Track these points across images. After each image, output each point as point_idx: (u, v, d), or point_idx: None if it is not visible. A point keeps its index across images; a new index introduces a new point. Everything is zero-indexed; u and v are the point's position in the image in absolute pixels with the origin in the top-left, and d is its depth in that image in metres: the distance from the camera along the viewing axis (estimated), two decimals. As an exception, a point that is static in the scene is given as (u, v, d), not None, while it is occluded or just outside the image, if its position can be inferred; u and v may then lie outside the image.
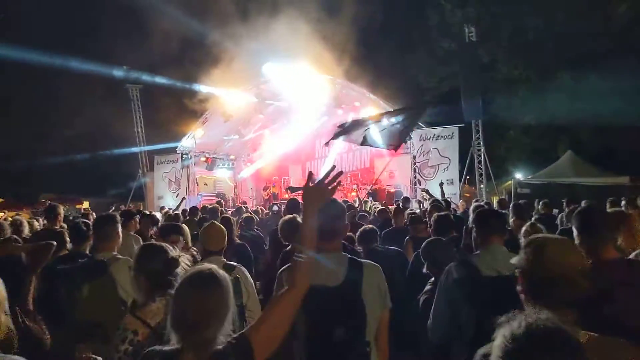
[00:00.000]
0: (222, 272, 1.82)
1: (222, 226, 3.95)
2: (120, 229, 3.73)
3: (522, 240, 4.12)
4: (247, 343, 1.71)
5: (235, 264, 3.53)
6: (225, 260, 3.62)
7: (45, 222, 6.40)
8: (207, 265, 1.85)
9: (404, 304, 3.25)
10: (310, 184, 1.96)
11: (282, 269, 2.56)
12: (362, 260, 2.50)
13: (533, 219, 6.00)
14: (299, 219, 4.28)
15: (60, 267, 3.58)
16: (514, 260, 1.88)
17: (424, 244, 3.79)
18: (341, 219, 2.52)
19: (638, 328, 1.88)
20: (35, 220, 9.71)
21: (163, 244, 2.73)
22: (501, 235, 2.91)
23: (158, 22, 20.95)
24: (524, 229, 4.23)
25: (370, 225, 5.14)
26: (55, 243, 4.13)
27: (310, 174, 2.04)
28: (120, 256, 3.55)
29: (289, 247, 4.19)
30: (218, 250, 3.64)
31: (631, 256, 3.05)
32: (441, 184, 13.02)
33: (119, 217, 3.79)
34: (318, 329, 2.30)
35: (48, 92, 26.84)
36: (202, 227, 6.49)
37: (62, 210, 5.77)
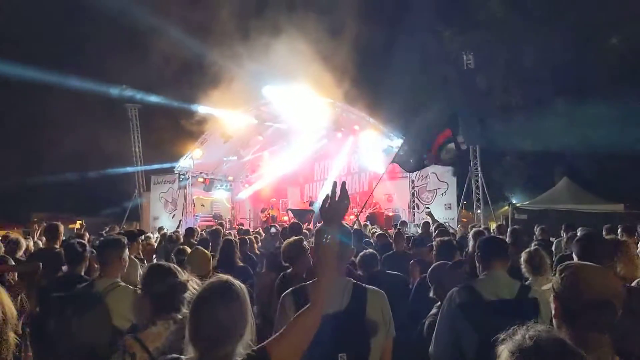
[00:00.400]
0: (238, 282, 1.80)
1: (205, 251, 3.92)
2: (127, 254, 3.57)
3: (524, 266, 4.15)
4: (267, 356, 1.69)
5: None
6: None
7: (43, 241, 6.33)
8: (223, 277, 1.82)
9: (406, 330, 3.24)
10: (327, 203, 1.97)
11: (285, 293, 2.52)
12: (366, 286, 2.49)
13: (533, 245, 6.02)
14: (305, 242, 4.27)
15: (54, 295, 3.51)
16: (546, 286, 1.91)
17: (431, 268, 3.79)
18: (347, 243, 2.49)
19: (634, 354, 1.89)
20: (27, 239, 9.64)
21: (172, 265, 2.69)
22: (503, 261, 2.93)
23: (158, 42, 21.15)
24: (524, 255, 4.25)
25: (371, 250, 5.13)
26: (40, 264, 4.07)
27: (328, 195, 2.04)
28: (122, 283, 3.41)
29: (290, 269, 4.16)
30: (203, 275, 3.58)
31: (635, 282, 3.06)
32: (429, 213, 13.06)
33: (125, 242, 3.61)
34: (320, 355, 2.25)
35: (44, 110, 26.82)
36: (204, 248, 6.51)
37: (62, 229, 5.70)
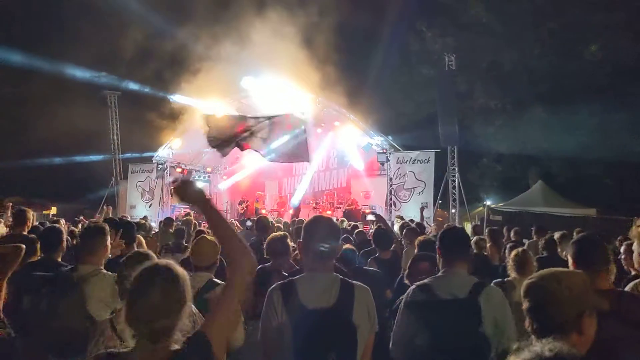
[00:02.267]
0: (179, 268, 1.81)
1: (214, 240, 3.86)
2: (109, 242, 3.56)
3: (510, 264, 4.24)
4: (204, 337, 1.71)
5: (220, 282, 3.36)
6: (213, 277, 3.48)
7: (12, 227, 6.19)
8: (163, 261, 1.85)
9: (384, 327, 3.28)
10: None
11: (272, 287, 2.49)
12: (353, 282, 2.48)
13: (508, 246, 6.16)
14: (289, 240, 4.27)
15: (35, 274, 3.48)
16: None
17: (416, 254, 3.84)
18: (335, 238, 2.50)
19: (622, 357, 1.95)
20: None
21: (149, 252, 2.72)
22: (464, 259, 2.93)
23: (140, 30, 20.84)
24: (513, 254, 4.30)
25: (348, 245, 5.17)
26: (24, 246, 4.03)
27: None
28: (103, 270, 3.39)
29: (270, 264, 4.16)
30: (208, 265, 3.51)
31: (628, 287, 3.15)
32: (422, 208, 13.17)
33: (108, 229, 3.60)
34: (308, 352, 2.26)
35: (21, 93, 26.20)
36: (180, 238, 6.45)
37: (31, 215, 5.57)
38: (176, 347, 1.69)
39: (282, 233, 4.31)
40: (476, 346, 2.59)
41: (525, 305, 1.87)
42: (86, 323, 2.99)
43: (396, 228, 9.63)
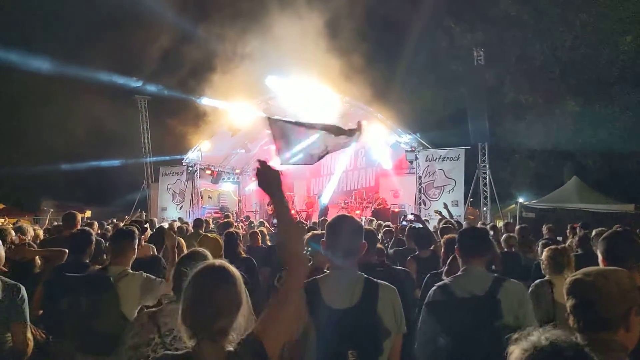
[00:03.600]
0: (232, 267, 1.82)
1: (217, 238, 3.93)
2: (136, 245, 3.69)
3: (545, 262, 4.06)
4: (256, 339, 1.70)
5: None
6: None
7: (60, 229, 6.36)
8: (218, 260, 1.86)
9: (413, 326, 3.24)
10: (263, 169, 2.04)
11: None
12: (378, 281, 2.45)
13: (540, 243, 5.98)
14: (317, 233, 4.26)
15: (67, 276, 3.58)
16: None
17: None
18: (358, 236, 2.48)
19: None
20: (35, 226, 9.72)
21: (205, 251, 2.81)
22: (482, 256, 2.92)
23: (168, 34, 21.22)
24: (548, 252, 4.08)
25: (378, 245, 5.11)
26: (67, 250, 4.18)
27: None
28: (131, 270, 3.52)
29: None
30: None
31: None
32: (445, 206, 13.02)
33: (137, 233, 3.74)
34: (331, 351, 2.25)
35: (54, 100, 26.99)
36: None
37: (80, 217, 5.76)
38: (230, 348, 1.70)
39: (316, 232, 4.32)
40: (497, 342, 2.53)
41: (570, 302, 1.83)
42: (120, 322, 3.06)
43: (434, 223, 9.54)
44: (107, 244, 6.62)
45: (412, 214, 11.57)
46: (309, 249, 4.33)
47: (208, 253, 2.78)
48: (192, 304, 1.71)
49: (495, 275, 2.81)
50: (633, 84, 18.86)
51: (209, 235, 3.97)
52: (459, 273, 2.90)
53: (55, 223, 9.52)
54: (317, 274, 2.60)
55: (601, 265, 2.57)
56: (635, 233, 7.12)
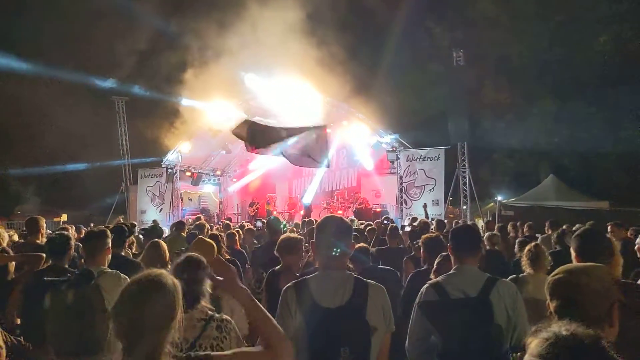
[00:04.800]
0: (170, 277, 1.74)
1: (212, 241, 3.92)
2: (110, 245, 3.72)
3: (524, 259, 4.16)
4: None
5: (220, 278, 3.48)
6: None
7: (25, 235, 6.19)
8: (155, 270, 1.76)
9: (400, 325, 3.24)
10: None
11: (287, 286, 2.49)
12: (367, 280, 2.47)
13: (518, 241, 6.07)
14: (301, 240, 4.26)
15: (48, 279, 3.51)
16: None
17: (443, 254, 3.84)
18: (347, 236, 2.50)
19: (625, 348, 1.89)
20: (11, 232, 9.46)
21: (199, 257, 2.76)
22: (475, 255, 2.93)
23: (146, 33, 20.96)
24: (527, 249, 4.26)
25: (362, 243, 5.12)
26: (44, 255, 4.06)
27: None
28: (108, 269, 3.52)
29: (280, 265, 4.14)
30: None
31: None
32: (424, 206, 13.15)
33: (109, 233, 3.76)
34: (321, 350, 2.26)
35: (28, 101, 26.38)
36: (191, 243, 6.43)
37: (43, 223, 5.56)
38: None
39: (294, 235, 4.30)
40: (489, 344, 2.60)
41: (554, 303, 1.81)
42: (105, 320, 2.99)
43: (407, 225, 9.58)
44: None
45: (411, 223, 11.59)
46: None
47: (203, 259, 2.73)
48: (115, 318, 1.63)
49: (488, 275, 2.82)
50: (608, 84, 19.26)
51: (204, 238, 3.94)
52: (451, 271, 2.90)
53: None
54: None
55: (575, 262, 2.59)
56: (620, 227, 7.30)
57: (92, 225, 13.87)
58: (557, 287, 1.83)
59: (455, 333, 2.62)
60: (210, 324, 2.48)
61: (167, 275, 1.74)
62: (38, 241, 5.27)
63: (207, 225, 9.68)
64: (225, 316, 2.56)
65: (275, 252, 4.18)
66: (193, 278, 2.52)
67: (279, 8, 15.73)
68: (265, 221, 9.33)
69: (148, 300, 1.63)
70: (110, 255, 3.75)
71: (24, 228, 11.07)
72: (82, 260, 4.55)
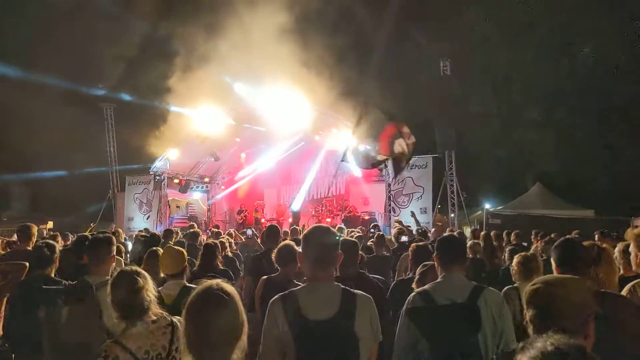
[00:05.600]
0: (229, 286, 1.80)
1: (180, 249, 3.91)
2: (114, 252, 3.64)
3: (515, 269, 4.12)
4: None
5: (193, 286, 3.39)
6: (186, 282, 3.66)
7: (17, 242, 6.13)
8: (213, 282, 1.81)
9: (389, 334, 3.26)
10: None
11: (273, 299, 2.46)
12: (355, 291, 2.46)
13: (507, 249, 6.11)
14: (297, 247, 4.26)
15: (45, 288, 3.48)
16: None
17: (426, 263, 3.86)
18: (335, 248, 2.49)
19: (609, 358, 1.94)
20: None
21: (137, 270, 2.65)
22: (461, 262, 2.98)
23: (135, 41, 20.91)
24: (518, 258, 4.14)
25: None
26: (27, 264, 4.02)
27: None
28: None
29: (277, 273, 4.14)
30: (178, 273, 3.70)
31: (625, 289, 3.10)
32: (413, 214, 13.22)
33: (114, 240, 3.68)
34: None
35: (16, 106, 26.09)
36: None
37: (35, 230, 5.55)
38: None
39: (289, 242, 4.31)
40: (475, 350, 2.63)
41: (530, 312, 1.85)
42: (103, 335, 2.97)
43: (394, 232, 9.61)
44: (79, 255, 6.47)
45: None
46: None
47: (143, 272, 2.65)
48: (198, 333, 1.68)
49: (475, 283, 2.86)
50: (591, 94, 19.60)
51: (172, 246, 3.96)
52: (439, 279, 2.94)
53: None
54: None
55: (555, 272, 2.63)
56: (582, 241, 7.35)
57: (77, 232, 13.73)
58: (534, 298, 1.86)
59: (442, 338, 2.66)
60: (177, 327, 2.51)
61: (226, 284, 1.80)
62: (29, 248, 5.23)
63: (202, 234, 9.58)
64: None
65: (275, 260, 4.16)
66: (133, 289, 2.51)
67: (268, 15, 15.80)
68: (253, 229, 9.28)
69: (226, 308, 1.71)
70: (114, 263, 3.67)
71: (12, 235, 11.00)
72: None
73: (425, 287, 2.93)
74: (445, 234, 5.53)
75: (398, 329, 2.89)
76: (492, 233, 7.75)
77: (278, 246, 4.28)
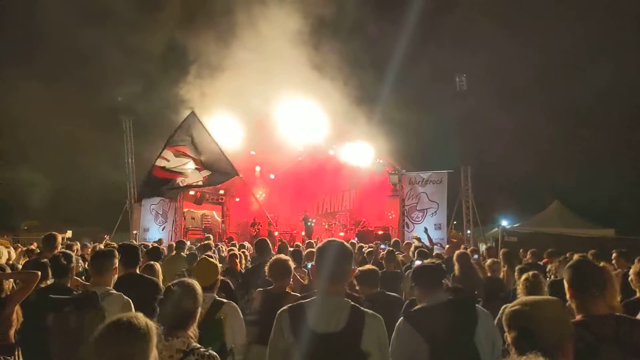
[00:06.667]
0: (144, 321, 1.76)
1: (213, 261, 3.93)
2: (116, 264, 3.77)
3: (521, 288, 4.06)
4: None
5: (225, 300, 3.56)
6: (217, 296, 3.63)
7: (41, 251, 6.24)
8: (130, 314, 1.79)
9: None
10: None
11: (281, 310, 2.48)
12: (364, 309, 2.44)
13: (517, 268, 5.97)
14: (290, 262, 4.25)
15: (52, 297, 3.52)
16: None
17: None
18: (347, 262, 2.49)
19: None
20: (18, 247, 9.48)
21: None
22: (438, 289, 3.04)
23: (154, 52, 21.21)
24: (524, 277, 4.12)
25: (371, 266, 4.92)
26: (39, 273, 4.06)
27: None
28: (113, 291, 3.54)
29: (273, 286, 4.14)
30: (210, 286, 3.64)
31: None
32: (426, 230, 13.05)
33: (116, 252, 3.81)
34: None
35: (36, 116, 26.65)
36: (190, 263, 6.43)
37: (60, 239, 5.67)
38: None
39: (281, 256, 4.30)
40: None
41: (511, 334, 1.87)
42: None
43: (411, 249, 9.49)
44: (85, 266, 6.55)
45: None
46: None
47: (196, 284, 2.72)
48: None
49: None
50: (612, 110, 19.33)
51: (207, 258, 4.00)
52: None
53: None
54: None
55: (567, 294, 2.58)
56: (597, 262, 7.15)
57: (91, 242, 13.90)
58: (513, 319, 1.90)
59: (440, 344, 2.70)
60: (189, 357, 2.38)
61: (141, 318, 1.76)
62: (48, 257, 5.32)
63: (213, 246, 9.59)
64: (210, 351, 2.43)
65: (269, 274, 4.16)
66: (176, 304, 2.53)
67: (287, 30, 15.95)
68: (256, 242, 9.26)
69: (127, 342, 1.67)
70: (116, 275, 3.78)
71: (31, 244, 11.17)
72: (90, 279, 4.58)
73: (409, 311, 3.04)
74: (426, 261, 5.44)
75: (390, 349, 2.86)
76: (502, 251, 7.60)
77: (271, 260, 4.30)
